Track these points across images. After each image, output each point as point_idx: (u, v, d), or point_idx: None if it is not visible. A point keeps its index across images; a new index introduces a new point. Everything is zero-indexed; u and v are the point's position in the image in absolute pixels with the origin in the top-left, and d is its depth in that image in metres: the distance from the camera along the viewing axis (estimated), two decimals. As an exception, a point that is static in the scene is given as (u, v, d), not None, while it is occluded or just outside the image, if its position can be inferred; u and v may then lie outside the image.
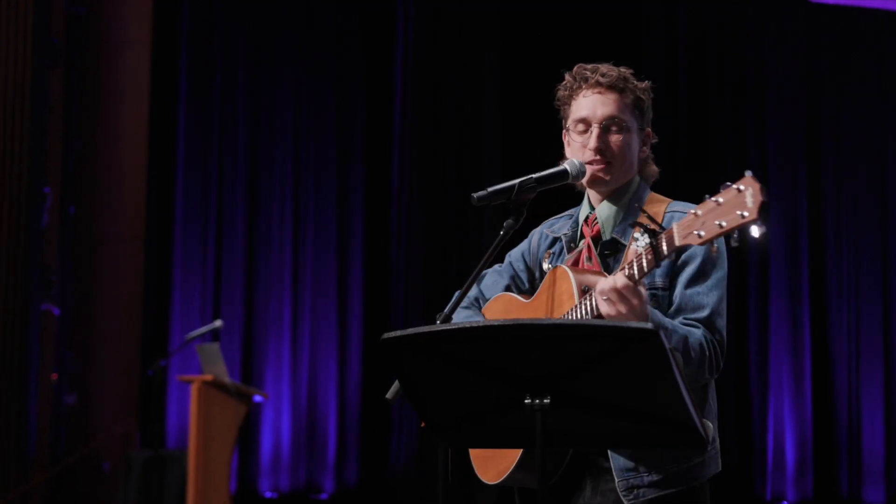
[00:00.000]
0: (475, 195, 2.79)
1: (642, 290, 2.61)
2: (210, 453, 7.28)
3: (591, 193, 3.00)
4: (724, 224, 2.39)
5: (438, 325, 2.49)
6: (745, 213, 2.35)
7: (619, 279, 2.59)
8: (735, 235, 2.39)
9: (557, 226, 3.10)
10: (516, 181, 2.80)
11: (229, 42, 9.19)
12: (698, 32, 9.31)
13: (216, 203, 9.09)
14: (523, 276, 3.12)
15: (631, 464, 2.78)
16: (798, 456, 9.01)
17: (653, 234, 2.56)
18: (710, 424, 2.74)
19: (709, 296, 2.80)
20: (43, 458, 8.00)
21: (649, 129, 3.00)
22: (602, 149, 2.92)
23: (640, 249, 2.59)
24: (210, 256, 9.03)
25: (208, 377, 7.40)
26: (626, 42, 9.01)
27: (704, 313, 2.78)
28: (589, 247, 2.94)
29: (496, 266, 3.20)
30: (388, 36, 9.31)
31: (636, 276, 2.59)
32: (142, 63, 8.71)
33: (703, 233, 2.43)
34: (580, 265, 2.93)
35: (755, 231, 2.37)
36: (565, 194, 3.04)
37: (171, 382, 8.67)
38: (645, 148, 2.99)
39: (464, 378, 2.40)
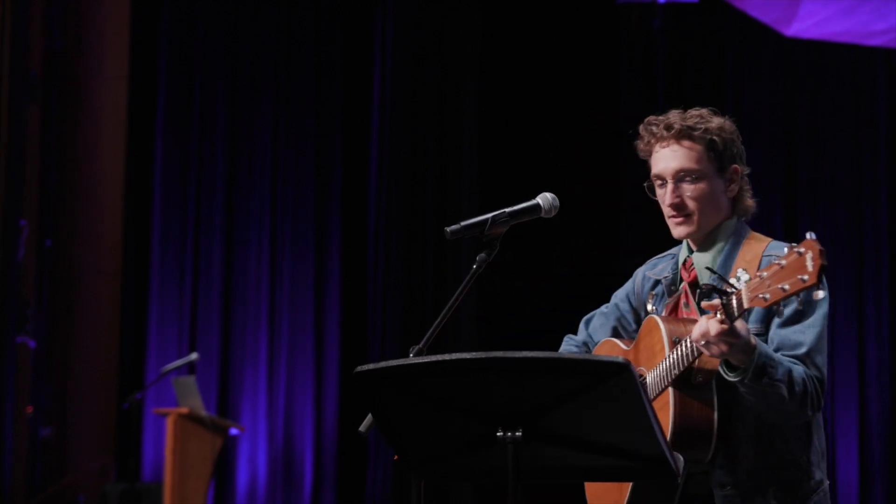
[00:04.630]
0: (448, 229, 2.80)
1: (739, 325, 2.60)
2: (186, 486, 7.26)
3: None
4: (786, 288, 2.41)
5: (412, 359, 2.51)
6: (805, 278, 2.38)
7: (712, 326, 2.58)
8: (799, 297, 2.42)
9: (659, 268, 3.08)
10: (489, 215, 2.81)
11: (207, 76, 9.21)
12: (675, 65, 9.39)
13: (193, 235, 9.09)
14: (629, 316, 3.12)
15: None
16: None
17: (723, 294, 2.57)
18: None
19: (806, 333, 2.79)
20: (18, 491, 7.95)
21: (736, 166, 2.95)
22: (678, 204, 2.91)
23: (718, 303, 2.59)
24: (187, 289, 9.01)
25: (184, 410, 7.39)
26: (604, 79, 9.07)
27: (803, 350, 2.77)
28: (686, 293, 2.94)
29: (602, 307, 3.21)
30: (365, 76, 9.34)
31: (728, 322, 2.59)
32: (119, 97, 8.73)
33: (767, 296, 2.45)
34: (678, 311, 2.94)
35: (819, 294, 2.39)
36: (666, 234, 3.02)
37: (147, 415, 8.63)
38: (733, 186, 2.95)
39: (437, 411, 2.41)
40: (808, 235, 2.40)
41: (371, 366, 2.37)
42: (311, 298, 9.14)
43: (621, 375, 2.27)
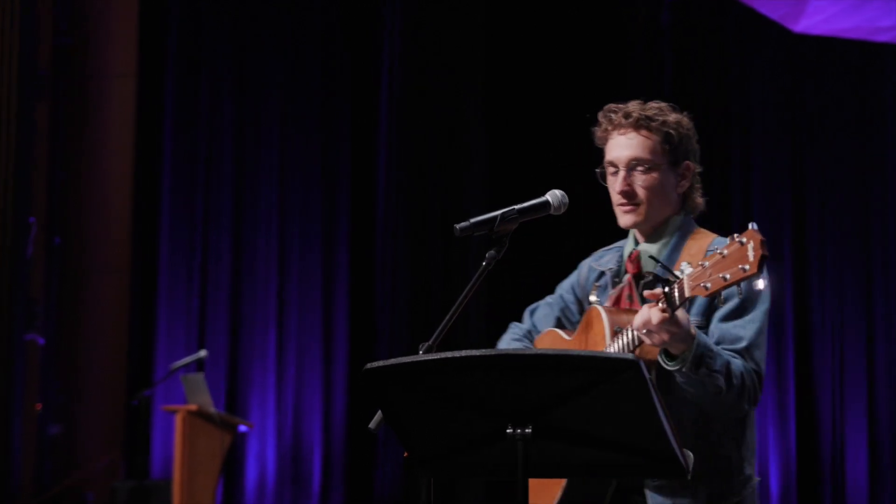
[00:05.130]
0: (457, 226, 2.80)
1: (680, 315, 2.63)
2: (195, 483, 7.27)
3: (635, 229, 3.02)
4: (727, 277, 2.44)
5: (420, 356, 2.51)
6: (746, 267, 2.41)
7: (653, 314, 2.61)
8: (740, 286, 2.44)
9: (605, 259, 3.11)
10: (498, 212, 2.82)
11: (215, 74, 9.22)
12: (682, 61, 9.38)
13: (201, 233, 9.10)
14: (573, 307, 3.15)
15: (668, 502, 2.81)
16: (782, 487, 9.02)
17: (666, 283, 2.59)
18: (690, 454, 2.75)
19: (746, 328, 2.82)
20: (27, 488, 7.97)
21: (689, 162, 2.98)
22: (628, 192, 2.94)
23: (658, 292, 2.62)
24: (195, 286, 9.02)
25: (193, 407, 7.40)
26: (611, 73, 9.06)
27: (742, 344, 2.80)
28: (631, 284, 2.96)
29: (547, 298, 3.23)
30: (373, 73, 9.34)
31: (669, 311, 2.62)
32: (127, 94, 8.75)
33: (709, 285, 2.48)
34: (622, 302, 2.95)
35: (760, 284, 2.41)
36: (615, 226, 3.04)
37: (156, 412, 8.64)
38: (684, 182, 2.98)
39: (446, 408, 2.41)
40: (750, 226, 2.43)
41: (380, 363, 2.38)
42: (319, 295, 9.15)
43: (630, 372, 2.26)
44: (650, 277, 2.78)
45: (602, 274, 3.08)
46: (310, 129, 9.31)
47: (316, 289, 9.15)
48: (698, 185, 3.02)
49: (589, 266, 3.14)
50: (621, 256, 3.05)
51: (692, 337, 2.66)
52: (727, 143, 9.38)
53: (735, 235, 2.46)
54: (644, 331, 2.63)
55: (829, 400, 9.18)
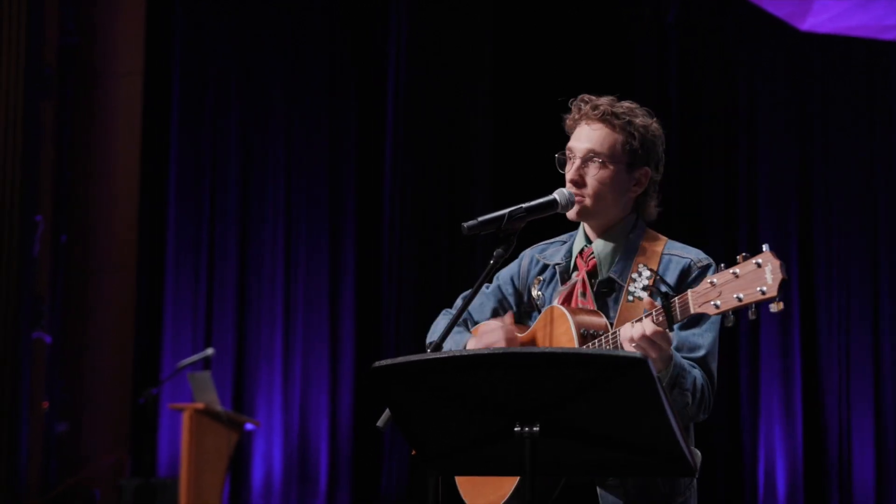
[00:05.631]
0: (465, 224, 2.79)
1: (669, 334, 2.63)
2: (201, 481, 7.27)
3: (586, 226, 2.98)
4: (742, 297, 2.43)
5: (429, 354, 2.51)
6: (765, 290, 2.39)
7: (647, 326, 2.60)
8: (752, 308, 2.43)
9: (549, 252, 3.07)
10: (506, 210, 2.81)
11: (221, 72, 9.23)
12: (688, 60, 9.37)
13: (208, 231, 9.11)
14: (511, 299, 3.09)
15: (619, 502, 2.79)
16: (789, 485, 9.01)
17: (665, 297, 2.57)
18: (698, 452, 2.76)
19: (704, 337, 2.82)
20: (34, 486, 7.98)
21: (647, 168, 2.93)
22: (577, 181, 2.91)
23: (658, 304, 2.60)
24: (202, 285, 9.03)
25: (200, 405, 7.41)
26: (616, 72, 9.05)
27: (700, 353, 2.80)
28: (584, 282, 2.92)
29: (483, 287, 3.14)
30: (379, 70, 9.34)
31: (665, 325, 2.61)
32: (134, 93, 8.75)
33: (719, 303, 2.47)
34: (574, 299, 2.92)
35: (773, 308, 2.40)
36: (561, 219, 3.02)
37: (163, 410, 8.66)
38: (637, 187, 2.94)
39: (453, 407, 2.41)
40: (764, 248, 2.42)
41: (388, 361, 2.38)
42: (325, 293, 9.15)
43: (638, 370, 2.26)
44: (653, 290, 2.75)
45: (546, 267, 3.04)
46: (316, 127, 9.31)
47: (322, 287, 9.16)
48: (655, 193, 2.98)
49: (532, 257, 3.09)
50: (570, 252, 3.01)
51: (670, 357, 2.66)
52: (733, 142, 9.37)
53: (745, 255, 2.44)
54: (633, 344, 2.61)
55: (835, 398, 9.17)
